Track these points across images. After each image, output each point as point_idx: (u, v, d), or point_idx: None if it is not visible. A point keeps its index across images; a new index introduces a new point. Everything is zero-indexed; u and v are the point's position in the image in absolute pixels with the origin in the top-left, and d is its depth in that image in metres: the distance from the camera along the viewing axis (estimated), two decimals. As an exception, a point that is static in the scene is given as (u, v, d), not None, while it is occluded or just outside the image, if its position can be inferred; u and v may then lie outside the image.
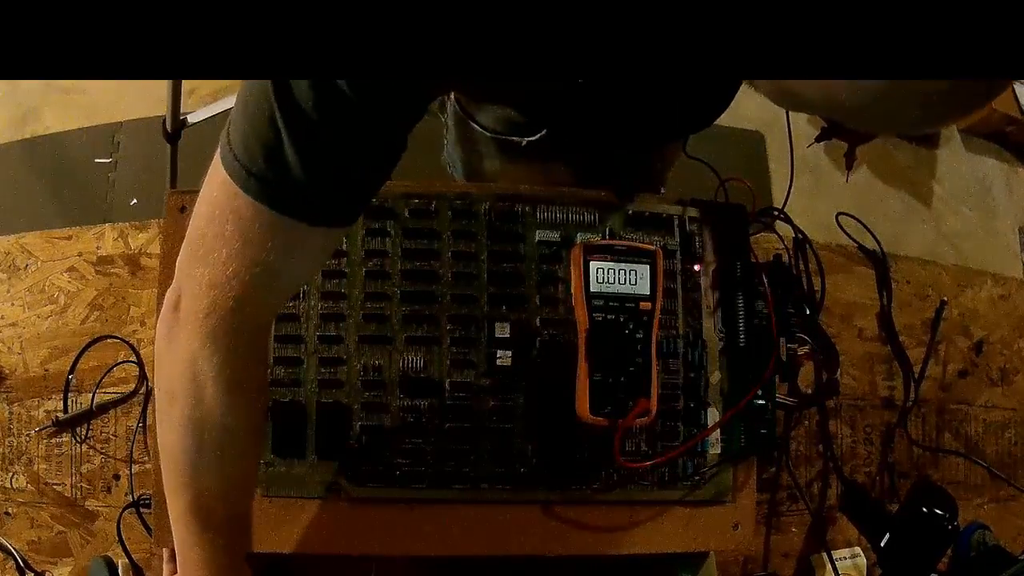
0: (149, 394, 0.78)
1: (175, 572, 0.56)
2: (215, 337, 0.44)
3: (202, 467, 0.48)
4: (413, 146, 0.45)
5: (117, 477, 0.77)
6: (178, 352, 0.46)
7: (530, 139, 0.72)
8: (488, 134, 0.78)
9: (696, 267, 0.70)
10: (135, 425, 0.77)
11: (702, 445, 0.67)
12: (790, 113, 0.49)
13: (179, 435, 0.47)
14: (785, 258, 0.84)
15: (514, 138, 0.74)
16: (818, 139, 0.68)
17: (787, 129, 0.78)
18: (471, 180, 0.92)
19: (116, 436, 0.78)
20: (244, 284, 0.43)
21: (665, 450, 0.66)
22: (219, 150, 0.42)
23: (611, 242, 0.66)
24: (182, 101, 1.24)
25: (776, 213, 0.83)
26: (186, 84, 1.26)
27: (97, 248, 0.83)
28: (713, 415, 0.68)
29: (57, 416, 0.77)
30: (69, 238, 0.83)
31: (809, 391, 0.87)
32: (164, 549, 0.62)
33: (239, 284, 0.43)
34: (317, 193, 0.42)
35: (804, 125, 1.91)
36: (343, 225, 0.45)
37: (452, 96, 0.81)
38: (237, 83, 0.43)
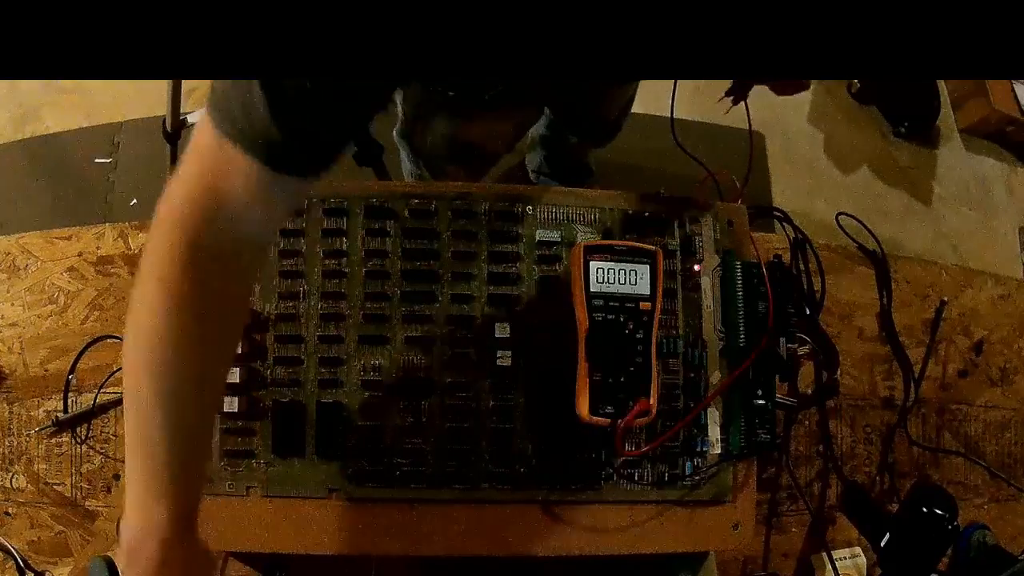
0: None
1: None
2: (181, 244, 0.45)
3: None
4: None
5: (117, 477, 0.77)
6: (152, 241, 0.46)
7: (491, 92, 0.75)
8: (451, 93, 0.79)
9: (696, 267, 0.70)
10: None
11: (702, 445, 0.67)
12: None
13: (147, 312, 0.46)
14: (785, 258, 0.84)
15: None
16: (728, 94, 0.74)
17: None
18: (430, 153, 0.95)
19: (116, 436, 0.78)
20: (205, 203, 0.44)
21: (665, 450, 0.66)
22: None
23: (611, 242, 0.66)
24: (182, 101, 1.24)
25: (776, 213, 0.83)
26: (186, 84, 1.25)
27: (97, 248, 0.83)
28: (713, 415, 0.68)
29: (57, 416, 0.77)
30: (69, 238, 0.83)
31: (809, 391, 0.87)
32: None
33: (197, 205, 0.44)
34: (282, 140, 0.42)
35: (804, 124, 1.91)
36: (298, 174, 0.46)
37: None
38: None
